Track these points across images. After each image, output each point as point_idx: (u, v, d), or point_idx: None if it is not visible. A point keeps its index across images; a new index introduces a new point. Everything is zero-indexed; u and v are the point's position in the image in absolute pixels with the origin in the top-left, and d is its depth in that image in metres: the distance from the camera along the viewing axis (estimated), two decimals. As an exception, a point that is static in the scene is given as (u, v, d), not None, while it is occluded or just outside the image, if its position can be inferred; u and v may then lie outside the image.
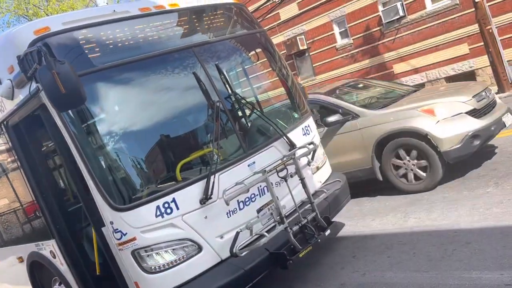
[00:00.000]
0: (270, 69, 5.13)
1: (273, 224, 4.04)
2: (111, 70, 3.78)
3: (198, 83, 4.15)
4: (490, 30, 11.88)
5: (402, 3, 14.66)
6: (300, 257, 3.97)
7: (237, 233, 3.78)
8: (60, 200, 4.50)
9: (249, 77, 5.12)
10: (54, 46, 3.57)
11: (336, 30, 16.81)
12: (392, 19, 14.87)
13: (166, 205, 3.70)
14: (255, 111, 4.59)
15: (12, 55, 3.68)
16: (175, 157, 4.06)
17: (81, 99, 3.31)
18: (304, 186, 4.22)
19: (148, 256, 3.66)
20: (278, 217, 4.00)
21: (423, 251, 4.36)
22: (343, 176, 5.21)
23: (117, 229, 3.61)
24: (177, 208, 3.74)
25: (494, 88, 12.33)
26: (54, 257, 4.54)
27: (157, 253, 3.68)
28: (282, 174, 4.12)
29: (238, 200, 4.03)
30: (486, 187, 5.43)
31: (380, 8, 15.28)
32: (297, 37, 17.64)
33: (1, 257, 5.96)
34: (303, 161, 4.47)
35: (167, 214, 3.70)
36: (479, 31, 12.24)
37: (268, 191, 4.12)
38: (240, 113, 4.64)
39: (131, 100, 4.05)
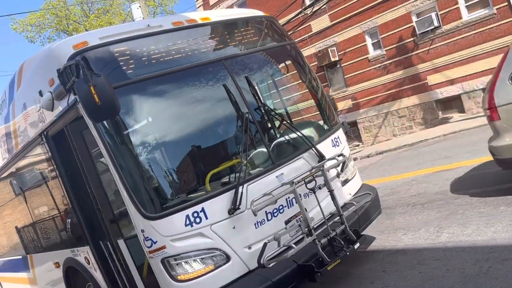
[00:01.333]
0: (300, 81, 5.15)
1: (301, 236, 4.02)
2: (145, 82, 3.91)
3: (228, 95, 4.22)
4: (530, 40, 11.51)
5: (437, 13, 14.42)
6: (329, 270, 3.93)
7: (265, 244, 3.79)
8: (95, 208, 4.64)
9: (279, 89, 5.16)
10: (91, 59, 3.74)
11: (369, 41, 16.68)
12: (426, 30, 14.63)
13: (195, 215, 3.76)
14: (284, 122, 4.60)
15: (53, 69, 3.87)
16: (205, 168, 4.13)
17: (115, 111, 3.43)
18: (333, 198, 4.19)
19: (177, 264, 3.71)
20: (306, 229, 3.98)
21: (457, 268, 4.20)
22: (374, 188, 5.14)
23: (147, 237, 3.69)
24: (206, 218, 3.79)
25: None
26: (88, 263, 4.68)
27: (186, 262, 3.73)
28: (310, 185, 4.10)
29: (266, 211, 4.04)
30: (526, 203, 5.21)
31: (414, 18, 15.07)
32: (329, 49, 17.60)
33: (40, 262, 6.20)
34: (333, 173, 4.44)
35: (196, 223, 3.76)
36: (518, 41, 11.88)
37: (296, 203, 4.12)
38: (269, 125, 4.68)
39: (163, 112, 4.16)
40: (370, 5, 15.99)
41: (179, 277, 3.71)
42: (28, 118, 4.92)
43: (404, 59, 15.65)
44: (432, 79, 15.12)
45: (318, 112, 5.09)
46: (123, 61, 3.91)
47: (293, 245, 3.84)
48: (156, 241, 3.68)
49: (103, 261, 4.45)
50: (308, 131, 4.69)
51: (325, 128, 4.97)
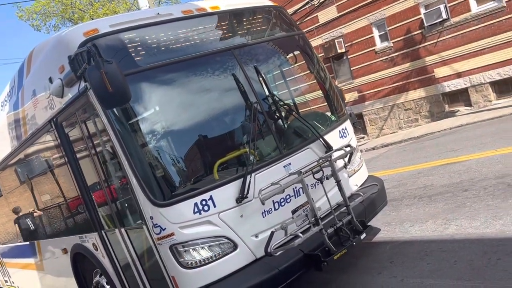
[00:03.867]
0: (308, 71, 5.14)
1: (307, 226, 4.05)
2: (156, 70, 3.92)
3: (237, 85, 4.23)
4: (540, 34, 11.38)
5: (445, 6, 14.27)
6: (335, 259, 3.96)
7: (272, 233, 3.83)
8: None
9: (287, 79, 5.15)
10: (102, 47, 3.74)
11: (376, 33, 16.55)
12: (434, 22, 14.49)
13: (204, 202, 3.79)
14: (292, 112, 4.60)
15: (63, 56, 3.89)
16: (213, 156, 4.14)
17: (127, 98, 3.44)
18: (340, 188, 4.21)
19: (185, 251, 3.75)
20: (313, 219, 4.00)
21: (465, 259, 4.23)
22: (380, 180, 5.14)
23: (156, 224, 3.73)
24: (214, 206, 3.82)
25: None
26: (96, 249, 4.73)
27: (193, 249, 3.77)
28: (317, 175, 4.12)
29: (273, 201, 4.07)
30: (535, 196, 5.21)
31: (422, 10, 14.92)
32: (335, 40, 17.49)
33: (47, 248, 6.26)
34: (340, 163, 4.45)
35: (205, 211, 3.79)
36: (527, 35, 11.75)
37: (303, 193, 4.14)
38: (277, 115, 4.67)
39: (173, 100, 4.17)
40: (379, -4, 15.85)
41: (187, 264, 3.75)
42: (37, 105, 4.94)
43: (412, 52, 15.53)
44: (439, 72, 15.02)
45: (326, 103, 5.09)
46: (133, 49, 3.92)
47: (300, 234, 3.87)
48: (165, 228, 3.71)
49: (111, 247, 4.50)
50: (316, 122, 4.69)
51: (333, 119, 4.97)
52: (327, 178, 4.16)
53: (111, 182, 4.31)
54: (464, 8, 13.98)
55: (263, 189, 3.85)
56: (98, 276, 5.02)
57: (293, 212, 4.22)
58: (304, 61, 5.09)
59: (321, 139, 4.47)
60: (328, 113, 5.03)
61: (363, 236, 4.17)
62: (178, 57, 4.06)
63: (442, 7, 14.22)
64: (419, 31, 15.16)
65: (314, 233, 3.95)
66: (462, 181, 6.75)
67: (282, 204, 4.18)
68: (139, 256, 4.18)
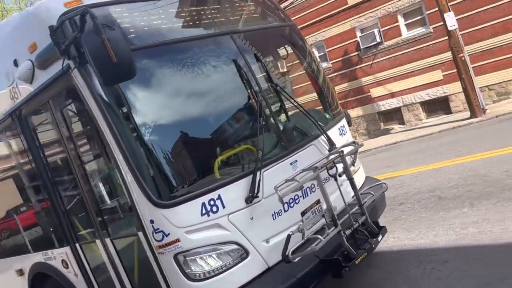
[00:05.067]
0: (308, 67, 4.89)
1: (320, 228, 3.65)
2: (159, 48, 3.36)
3: (242, 75, 3.75)
4: (463, 58, 12.32)
5: (379, 30, 15.08)
6: (356, 264, 3.60)
7: (289, 236, 3.36)
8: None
9: (290, 74, 4.87)
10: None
11: (316, 54, 17.00)
12: (369, 45, 15.24)
13: (212, 202, 3.27)
14: (297, 107, 4.22)
15: (36, 31, 3.26)
16: (219, 150, 3.62)
17: (132, 72, 2.87)
18: (354, 186, 3.89)
19: (192, 260, 3.17)
20: (330, 219, 3.62)
21: (402, 270, 4.31)
22: (381, 181, 4.93)
23: (158, 228, 3.11)
24: (223, 207, 3.31)
25: (466, 114, 12.73)
26: (67, 267, 3.89)
27: (201, 258, 3.20)
28: (331, 172, 3.78)
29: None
30: (462, 208, 5.45)
31: (358, 34, 15.65)
32: (275, 60, 17.69)
33: None
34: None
35: (213, 212, 3.26)
36: (452, 59, 12.68)
37: (311, 193, 3.80)
38: (282, 110, 4.29)
39: (177, 87, 3.59)
40: (317, 19, 16.39)
41: (194, 276, 3.16)
42: None
43: (349, 72, 16.15)
44: (374, 92, 15.73)
45: (325, 99, 4.84)
46: (125, 25, 3.34)
47: (320, 237, 3.45)
48: (169, 234, 3.12)
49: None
50: (317, 118, 4.38)
51: (331, 116, 4.71)
52: (340, 176, 3.83)
53: (92, 182, 3.58)
54: (396, 32, 14.88)
55: (279, 186, 3.40)
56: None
57: (302, 214, 3.79)
58: (302, 57, 4.82)
59: (325, 135, 4.17)
60: (327, 110, 4.77)
61: (380, 237, 3.87)
62: (176, 38, 3.54)
63: (376, 31, 15.02)
64: (356, 53, 15.84)
65: (333, 235, 3.56)
66: (398, 195, 6.96)
67: (291, 205, 3.76)
68: (128, 272, 3.48)
